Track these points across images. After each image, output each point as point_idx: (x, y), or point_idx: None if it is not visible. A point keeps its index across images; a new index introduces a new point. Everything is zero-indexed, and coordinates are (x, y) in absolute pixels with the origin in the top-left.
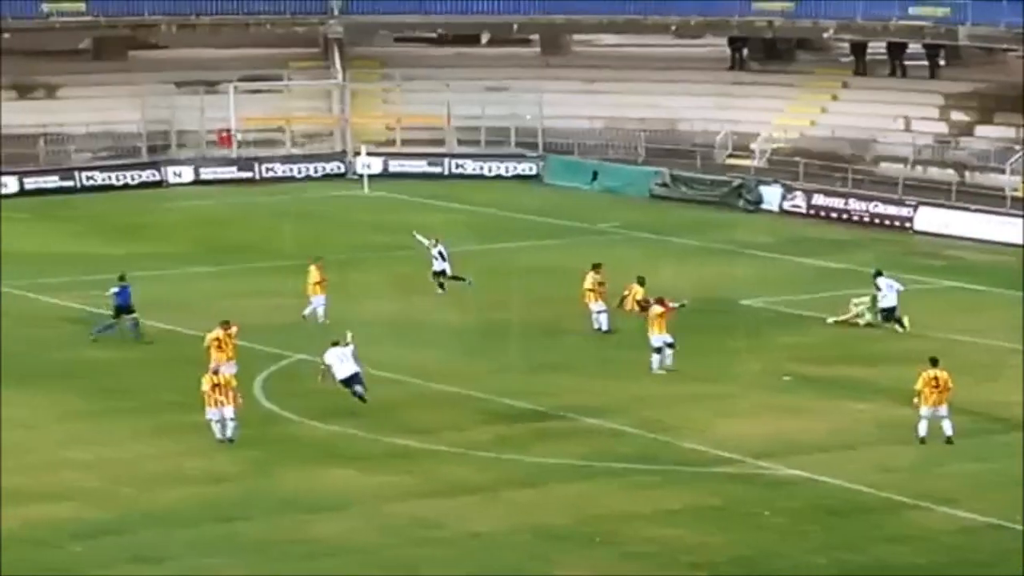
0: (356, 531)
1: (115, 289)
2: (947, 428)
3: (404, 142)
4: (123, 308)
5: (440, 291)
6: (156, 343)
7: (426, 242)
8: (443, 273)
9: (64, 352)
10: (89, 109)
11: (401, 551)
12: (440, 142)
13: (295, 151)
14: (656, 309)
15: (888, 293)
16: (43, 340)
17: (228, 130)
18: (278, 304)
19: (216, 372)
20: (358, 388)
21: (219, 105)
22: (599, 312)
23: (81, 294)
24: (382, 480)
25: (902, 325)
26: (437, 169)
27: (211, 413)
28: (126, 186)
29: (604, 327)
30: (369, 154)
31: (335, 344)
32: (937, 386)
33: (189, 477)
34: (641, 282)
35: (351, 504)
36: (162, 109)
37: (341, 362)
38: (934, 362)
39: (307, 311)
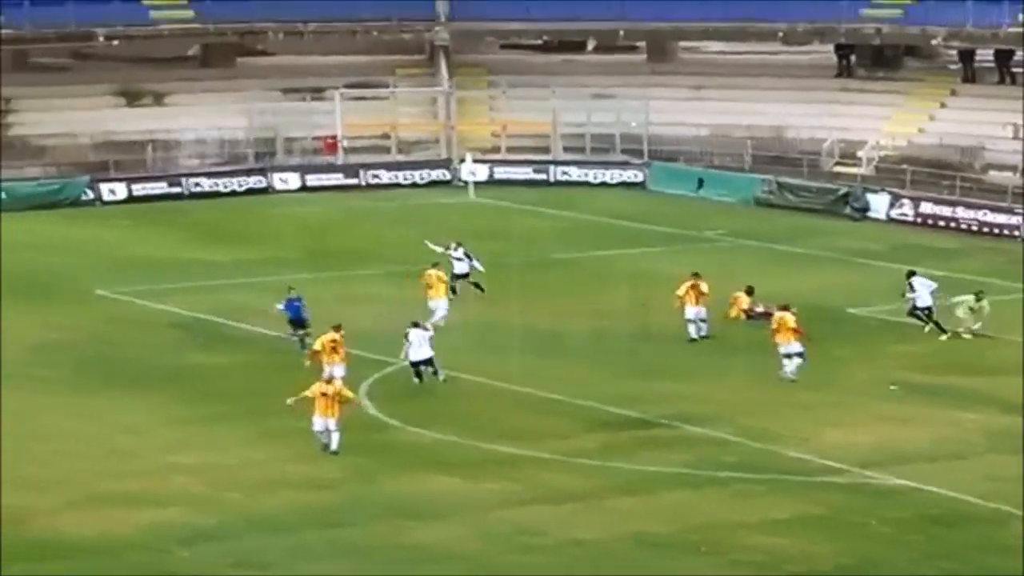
0: (459, 538)
1: (281, 305)
2: None
3: (509, 149)
4: (296, 322)
5: (452, 295)
6: (262, 349)
7: (439, 249)
8: (465, 276)
9: (171, 357)
10: (196, 116)
11: (504, 558)
12: (545, 149)
13: (400, 158)
14: (787, 317)
15: (922, 292)
16: (150, 345)
17: (334, 137)
18: (383, 310)
19: (329, 380)
20: (429, 369)
21: (325, 112)
22: (694, 318)
23: (187, 300)
24: (485, 487)
25: (941, 329)
26: (542, 176)
27: (317, 423)
28: (233, 192)
29: (700, 333)
30: (474, 161)
31: (416, 325)
32: None
33: (293, 483)
34: (749, 292)
35: (454, 511)
36: (269, 116)
37: (420, 345)
38: None
39: (437, 318)
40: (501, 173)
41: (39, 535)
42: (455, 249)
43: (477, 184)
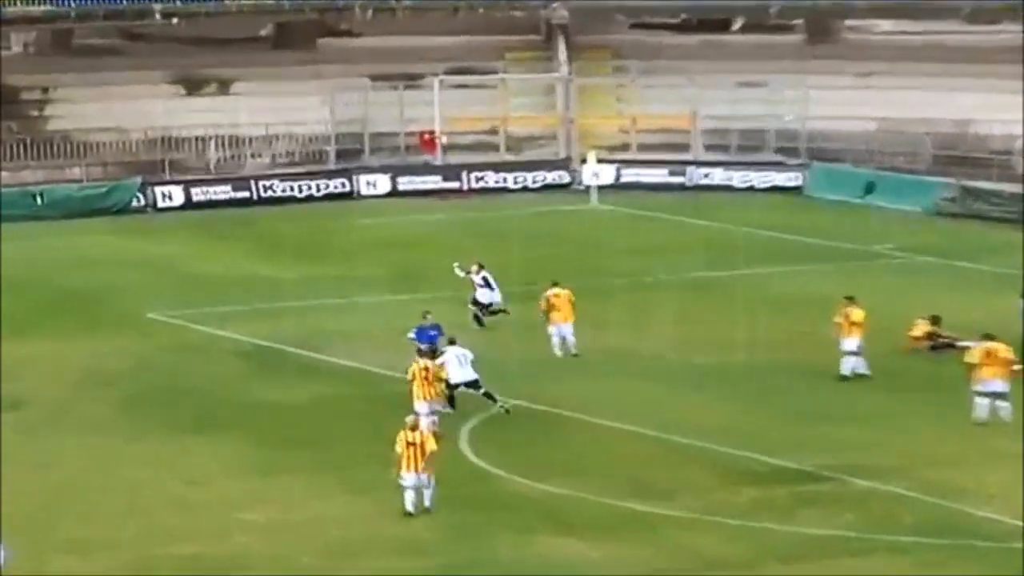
0: None
1: (412, 334)
2: None
3: (640, 147)
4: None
5: (477, 326)
6: (344, 383)
7: (462, 273)
8: (488, 306)
9: (235, 393)
10: (268, 107)
11: None
12: (683, 147)
13: (510, 157)
14: (999, 348)
15: None
16: (211, 378)
17: (432, 132)
18: (489, 340)
19: (415, 428)
20: (480, 392)
21: (421, 103)
22: (849, 353)
23: (253, 325)
24: (612, 552)
25: None
26: (679, 179)
27: (407, 478)
28: (310, 198)
29: (856, 370)
30: (598, 161)
31: (452, 343)
32: None
33: (383, 546)
34: (935, 321)
35: None
36: (354, 107)
37: (460, 365)
38: None
39: (570, 344)
40: (630, 175)
41: None
42: (477, 273)
43: (601, 188)
